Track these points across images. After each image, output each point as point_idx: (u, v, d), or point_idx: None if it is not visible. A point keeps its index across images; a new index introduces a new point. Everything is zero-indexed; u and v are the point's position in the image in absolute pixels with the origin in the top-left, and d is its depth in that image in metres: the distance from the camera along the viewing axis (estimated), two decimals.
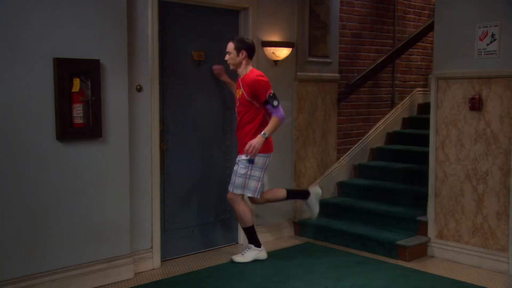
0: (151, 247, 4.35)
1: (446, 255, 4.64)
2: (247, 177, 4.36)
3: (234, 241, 5.12)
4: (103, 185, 3.96)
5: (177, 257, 4.66)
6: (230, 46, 4.37)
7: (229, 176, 5.04)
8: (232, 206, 4.54)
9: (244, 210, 4.45)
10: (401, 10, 6.49)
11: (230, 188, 4.44)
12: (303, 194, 4.81)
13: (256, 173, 4.37)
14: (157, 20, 4.29)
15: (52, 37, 3.65)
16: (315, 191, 4.80)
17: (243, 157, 4.35)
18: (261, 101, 4.28)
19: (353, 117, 6.02)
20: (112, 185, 4.01)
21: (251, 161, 4.32)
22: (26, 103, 3.56)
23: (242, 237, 5.08)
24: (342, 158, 5.88)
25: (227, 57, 4.41)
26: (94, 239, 3.94)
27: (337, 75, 5.72)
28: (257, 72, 4.39)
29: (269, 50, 4.94)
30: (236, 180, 4.39)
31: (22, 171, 3.57)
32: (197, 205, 4.88)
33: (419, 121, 6.40)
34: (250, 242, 4.57)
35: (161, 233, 4.50)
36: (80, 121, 3.78)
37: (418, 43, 6.60)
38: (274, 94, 4.28)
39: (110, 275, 4.03)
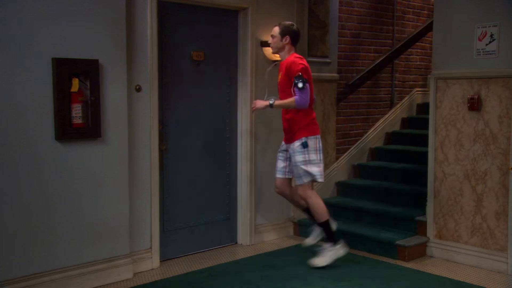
0: (150, 247, 4.35)
1: (445, 255, 4.64)
2: (308, 162, 4.26)
3: (234, 241, 5.13)
4: (102, 185, 3.96)
5: (176, 257, 4.66)
6: (275, 30, 4.36)
7: (228, 176, 5.05)
8: (306, 202, 4.38)
9: (318, 202, 4.32)
10: (400, 10, 6.50)
11: (297, 181, 4.32)
12: (332, 238, 4.40)
13: (313, 156, 4.27)
14: (156, 20, 4.28)
15: (51, 37, 3.65)
16: (339, 250, 4.40)
17: (296, 144, 4.27)
18: (292, 81, 4.21)
19: (352, 117, 6.02)
20: (111, 185, 4.01)
21: (304, 145, 4.25)
22: (25, 103, 3.56)
23: (241, 237, 5.08)
24: (341, 158, 5.88)
25: (270, 40, 4.42)
26: (93, 239, 3.94)
27: (336, 75, 5.72)
28: (297, 54, 4.35)
29: (268, 50, 4.92)
30: (299, 170, 4.27)
31: (21, 171, 3.57)
32: (197, 205, 4.88)
33: (418, 121, 6.40)
34: (328, 240, 4.37)
35: (160, 233, 4.50)
36: (79, 121, 3.77)
37: (417, 43, 6.61)
38: (302, 75, 4.16)
39: (110, 275, 4.03)
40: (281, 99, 4.33)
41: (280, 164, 4.48)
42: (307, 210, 4.50)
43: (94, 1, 3.84)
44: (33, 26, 3.57)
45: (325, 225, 4.36)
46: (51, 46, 3.65)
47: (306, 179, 4.29)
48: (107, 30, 3.91)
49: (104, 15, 3.89)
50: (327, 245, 4.39)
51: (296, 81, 4.15)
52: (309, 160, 4.26)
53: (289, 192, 4.53)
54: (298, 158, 4.27)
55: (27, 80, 3.56)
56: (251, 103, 4.91)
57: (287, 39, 4.31)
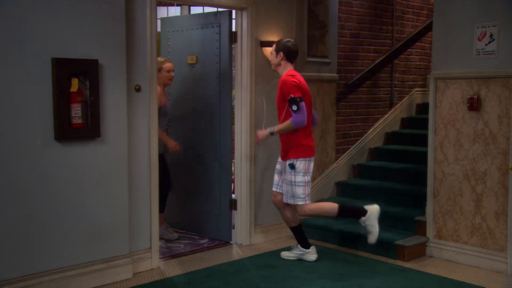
0: (150, 247, 4.34)
1: (445, 255, 4.64)
2: (293, 184, 4.28)
3: (233, 241, 5.12)
4: (102, 185, 3.95)
5: (176, 257, 4.66)
6: (273, 47, 4.40)
7: (227, 176, 5.05)
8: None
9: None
10: (399, 10, 6.50)
11: (284, 199, 4.37)
12: (357, 212, 4.44)
13: (299, 178, 4.27)
14: (156, 20, 4.28)
15: (50, 37, 3.64)
16: (373, 209, 4.42)
17: (287, 163, 4.30)
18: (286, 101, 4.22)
19: (352, 117, 6.02)
20: (111, 185, 4.00)
21: (291, 167, 4.27)
22: (24, 103, 3.55)
23: (240, 236, 5.07)
24: (340, 158, 5.88)
25: (270, 57, 4.46)
26: (92, 239, 3.93)
27: (335, 75, 5.72)
28: (290, 72, 4.31)
29: (268, 50, 4.92)
30: (287, 188, 4.34)
31: (20, 171, 3.56)
32: (196, 205, 4.88)
33: (417, 121, 6.40)
34: (298, 243, 4.56)
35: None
36: (79, 121, 3.77)
37: (417, 43, 6.61)
38: (295, 98, 4.14)
39: (109, 275, 4.02)
40: (279, 115, 4.36)
41: (276, 177, 4.53)
42: (293, 230, 4.58)
43: (94, 1, 3.83)
44: (33, 26, 3.56)
45: (295, 230, 4.54)
46: (50, 46, 3.64)
47: (292, 201, 4.31)
48: (106, 30, 3.91)
49: (104, 15, 3.89)
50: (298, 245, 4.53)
51: (290, 104, 4.17)
52: (294, 181, 4.28)
53: (281, 206, 4.52)
54: (287, 177, 4.32)
55: (26, 80, 3.56)
56: (251, 103, 4.91)
57: (281, 55, 4.31)
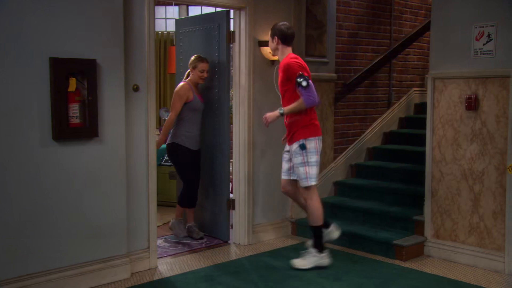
0: (148, 247, 4.34)
1: (443, 255, 4.64)
2: (306, 164, 4.21)
3: (232, 241, 5.12)
4: (100, 185, 3.95)
5: (174, 257, 4.66)
6: (269, 32, 4.38)
7: (226, 175, 5.05)
8: (306, 203, 4.33)
9: (317, 206, 4.27)
10: (398, 10, 6.50)
11: (300, 183, 4.26)
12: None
13: (313, 157, 4.21)
14: (154, 19, 4.28)
15: (48, 36, 3.64)
16: (333, 232, 4.46)
17: (294, 146, 4.23)
18: (293, 83, 4.16)
19: (350, 117, 6.03)
20: (109, 185, 4.00)
21: (302, 147, 4.18)
22: (22, 102, 3.55)
23: (238, 236, 5.07)
24: (339, 158, 5.89)
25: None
26: (90, 239, 3.93)
27: (334, 75, 5.72)
28: (292, 55, 4.28)
29: (266, 50, 4.93)
30: (299, 171, 4.24)
31: (18, 171, 3.56)
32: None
33: (415, 121, 6.41)
34: (314, 246, 4.35)
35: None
36: (77, 121, 3.77)
37: (415, 43, 6.62)
38: (302, 74, 4.11)
39: (107, 275, 4.02)
40: (282, 99, 4.30)
41: (285, 165, 4.43)
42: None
43: (92, 1, 3.83)
44: (31, 25, 3.56)
45: (317, 230, 4.33)
46: (48, 46, 3.64)
47: (306, 182, 4.23)
48: (104, 30, 3.90)
49: (102, 14, 3.88)
50: (313, 250, 4.36)
51: (299, 80, 4.11)
52: (307, 161, 4.21)
53: (293, 193, 4.48)
54: (297, 160, 4.24)
55: (24, 80, 3.55)
56: (249, 103, 4.91)
57: (276, 39, 4.28)
